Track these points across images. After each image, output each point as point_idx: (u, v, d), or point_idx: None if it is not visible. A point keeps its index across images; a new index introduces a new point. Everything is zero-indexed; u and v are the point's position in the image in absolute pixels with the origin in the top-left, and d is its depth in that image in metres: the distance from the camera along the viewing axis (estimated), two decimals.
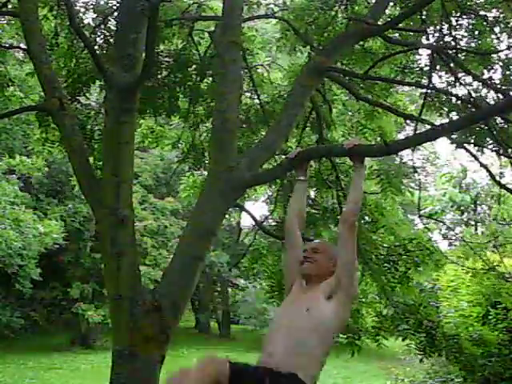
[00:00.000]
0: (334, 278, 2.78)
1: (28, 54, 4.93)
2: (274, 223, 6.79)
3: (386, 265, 6.07)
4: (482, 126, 5.23)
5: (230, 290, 23.80)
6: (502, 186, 5.27)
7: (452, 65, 5.36)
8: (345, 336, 6.01)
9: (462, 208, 13.14)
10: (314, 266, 2.83)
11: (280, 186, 6.60)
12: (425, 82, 5.93)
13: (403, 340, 6.20)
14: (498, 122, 5.28)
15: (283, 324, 2.69)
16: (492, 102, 5.58)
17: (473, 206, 13.05)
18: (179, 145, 7.54)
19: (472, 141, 5.44)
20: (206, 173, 7.57)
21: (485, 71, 5.66)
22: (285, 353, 2.58)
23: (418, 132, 4.67)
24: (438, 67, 5.74)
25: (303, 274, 2.87)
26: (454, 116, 5.80)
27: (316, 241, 3.21)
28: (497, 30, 5.77)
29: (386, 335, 6.20)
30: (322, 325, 2.66)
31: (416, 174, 7.07)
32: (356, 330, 6.10)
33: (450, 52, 5.38)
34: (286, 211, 6.56)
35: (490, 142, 5.47)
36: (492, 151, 5.40)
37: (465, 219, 13.81)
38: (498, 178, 5.36)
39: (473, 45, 5.84)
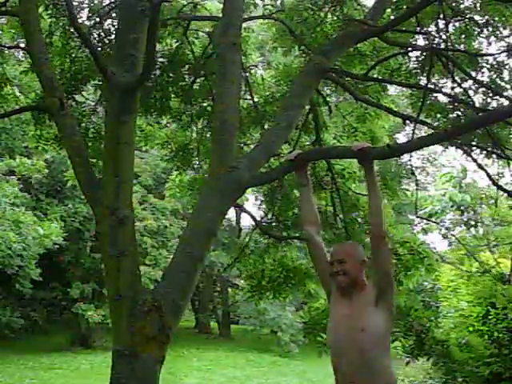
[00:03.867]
0: (374, 286, 2.85)
1: (28, 54, 4.94)
2: (273, 223, 6.79)
3: None
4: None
5: (229, 289, 23.80)
6: (500, 188, 5.27)
7: (450, 66, 5.36)
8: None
9: (461, 208, 13.13)
10: (346, 278, 2.88)
11: (278, 186, 6.59)
12: (419, 83, 5.93)
13: (392, 342, 6.20)
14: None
15: (346, 348, 2.78)
16: (478, 104, 5.58)
17: (473, 206, 13.05)
18: (168, 145, 7.51)
19: (470, 142, 5.43)
20: (193, 173, 7.60)
21: (473, 74, 5.66)
22: (362, 377, 2.72)
23: (423, 135, 4.68)
24: (431, 68, 5.73)
25: (338, 287, 2.92)
26: (440, 118, 5.81)
27: (337, 247, 3.12)
28: (486, 33, 5.78)
29: None
30: (380, 338, 2.78)
31: (414, 176, 7.05)
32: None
33: (448, 53, 5.38)
34: (281, 209, 6.59)
35: (486, 143, 5.47)
36: (488, 152, 5.40)
37: (465, 219, 13.80)
38: (496, 179, 5.36)
39: (461, 47, 5.84)
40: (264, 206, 7.22)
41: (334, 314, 2.95)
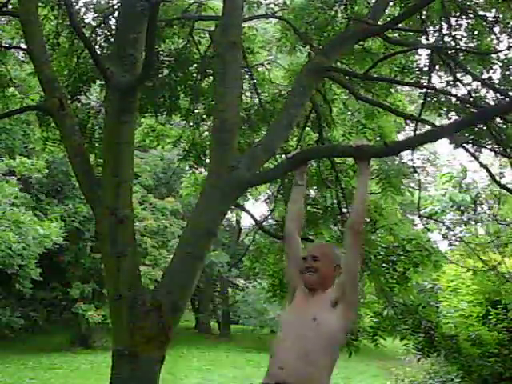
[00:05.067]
0: (337, 285, 2.73)
1: (28, 54, 4.94)
2: (274, 223, 6.79)
3: (384, 265, 6.07)
4: (482, 126, 5.23)
5: (229, 289, 23.80)
6: (502, 186, 5.27)
7: (452, 65, 5.36)
8: None
9: (461, 208, 13.13)
10: (316, 277, 2.76)
11: (280, 185, 6.60)
12: (424, 81, 5.93)
13: (401, 340, 6.21)
14: (497, 122, 5.27)
15: (291, 335, 2.65)
16: (491, 103, 5.58)
17: (473, 205, 13.04)
18: (180, 143, 7.53)
19: (471, 140, 5.43)
20: (206, 171, 7.58)
21: (484, 71, 5.65)
22: (295, 365, 2.54)
23: (419, 132, 4.68)
24: (437, 67, 5.74)
25: (305, 285, 2.80)
26: (453, 116, 5.80)
27: (315, 244, 3.06)
28: (496, 30, 5.76)
29: (384, 335, 6.23)
30: (330, 334, 2.62)
31: (416, 174, 7.05)
32: (354, 331, 6.11)
33: (450, 52, 5.38)
34: (286, 212, 6.58)
35: (490, 141, 5.46)
36: (491, 151, 5.39)
37: (465, 219, 13.79)
38: (497, 178, 5.36)
39: (472, 45, 5.82)
40: (271, 204, 7.20)
41: (291, 306, 2.85)
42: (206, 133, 7.27)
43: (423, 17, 5.72)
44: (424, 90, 5.80)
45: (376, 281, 5.99)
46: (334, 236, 6.51)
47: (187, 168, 7.64)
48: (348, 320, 2.70)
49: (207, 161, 7.42)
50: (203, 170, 7.52)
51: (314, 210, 6.50)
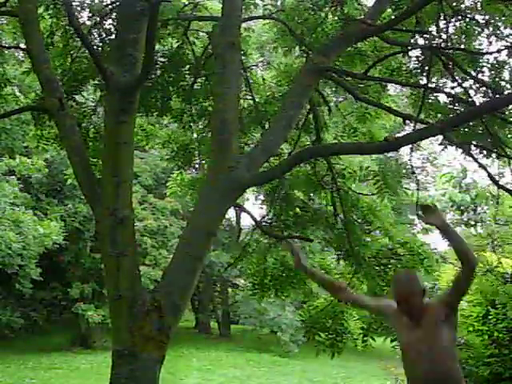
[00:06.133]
0: (444, 304, 3.07)
1: (27, 54, 4.94)
2: (273, 223, 6.77)
3: (376, 268, 6.08)
4: (480, 127, 5.23)
5: (229, 289, 23.80)
6: (501, 187, 5.26)
7: (450, 65, 5.36)
8: (326, 337, 6.09)
9: (461, 208, 13.15)
10: (417, 311, 3.08)
11: (277, 185, 6.57)
12: (416, 82, 5.93)
13: (392, 342, 6.20)
14: (495, 122, 5.27)
15: (425, 364, 3.01)
16: (478, 103, 5.58)
17: (473, 206, 13.06)
18: (169, 144, 7.49)
19: (470, 141, 5.42)
20: (194, 172, 7.55)
21: (473, 73, 5.65)
22: None
23: (418, 128, 4.66)
24: (430, 67, 5.72)
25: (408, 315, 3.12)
26: (440, 117, 5.80)
27: (400, 284, 3.21)
28: (486, 32, 5.76)
29: (373, 335, 6.24)
30: (450, 350, 3.04)
31: (414, 175, 7.02)
32: (339, 332, 6.13)
33: (447, 52, 5.37)
34: (282, 209, 6.59)
35: (481, 142, 5.46)
36: (482, 150, 5.39)
37: (465, 219, 13.81)
38: (496, 179, 5.35)
39: (462, 47, 5.84)
40: (265, 206, 7.19)
41: (407, 339, 3.17)
42: (197, 134, 7.25)
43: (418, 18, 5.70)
44: (417, 91, 5.80)
45: (368, 282, 5.99)
46: (325, 239, 6.51)
47: (176, 168, 7.61)
48: (456, 326, 3.12)
49: (197, 162, 7.41)
50: (192, 169, 7.51)
51: (303, 212, 6.49)
